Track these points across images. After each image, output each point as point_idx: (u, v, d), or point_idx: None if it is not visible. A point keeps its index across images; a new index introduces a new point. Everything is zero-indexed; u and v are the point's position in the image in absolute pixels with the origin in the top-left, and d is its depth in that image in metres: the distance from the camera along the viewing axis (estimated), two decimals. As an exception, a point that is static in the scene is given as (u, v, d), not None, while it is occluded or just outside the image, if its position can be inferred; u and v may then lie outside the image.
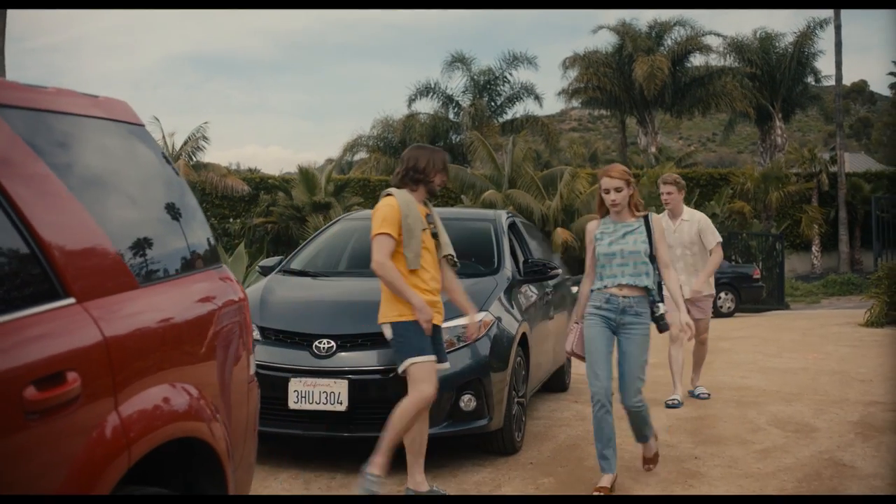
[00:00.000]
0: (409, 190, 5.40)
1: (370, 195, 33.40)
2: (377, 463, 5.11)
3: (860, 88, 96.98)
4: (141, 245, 2.97)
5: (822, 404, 8.09)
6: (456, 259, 5.57)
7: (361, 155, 42.90)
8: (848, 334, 14.09)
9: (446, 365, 5.44)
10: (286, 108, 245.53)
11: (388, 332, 5.26)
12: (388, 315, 5.24)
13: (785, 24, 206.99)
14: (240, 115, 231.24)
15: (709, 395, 8.55)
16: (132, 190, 3.07)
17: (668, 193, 8.37)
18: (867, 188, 35.79)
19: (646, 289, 5.46)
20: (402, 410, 5.11)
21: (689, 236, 8.34)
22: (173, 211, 3.26)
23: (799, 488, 5.56)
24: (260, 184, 34.29)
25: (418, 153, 5.47)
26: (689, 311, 7.67)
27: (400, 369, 5.21)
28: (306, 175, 30.21)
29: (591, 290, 5.60)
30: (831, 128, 74.71)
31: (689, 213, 8.51)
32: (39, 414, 2.27)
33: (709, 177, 36.72)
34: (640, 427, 5.69)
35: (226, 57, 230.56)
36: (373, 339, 5.84)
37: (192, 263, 3.29)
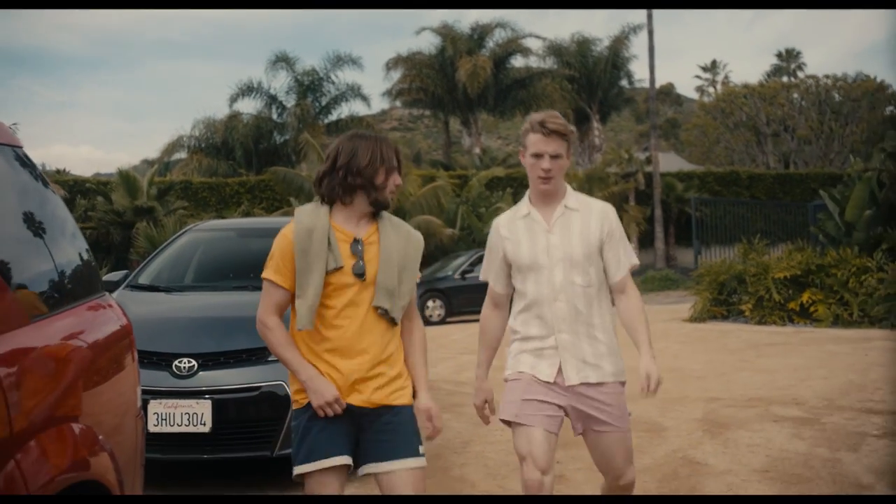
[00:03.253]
0: (340, 203, 3.47)
1: (193, 198, 32.55)
2: None
3: (668, 90, 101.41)
4: (28, 278, 2.77)
5: (665, 402, 8.36)
6: (392, 315, 3.44)
7: (180, 156, 41.79)
8: (675, 330, 14.66)
9: (416, 462, 3.51)
10: (98, 106, 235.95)
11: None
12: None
13: (601, 29, 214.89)
14: (47, 114, 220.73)
15: None
16: (17, 218, 2.87)
17: (554, 156, 3.74)
18: (680, 187, 37.56)
19: None
20: None
21: (583, 242, 3.83)
22: (56, 239, 3.07)
23: (661, 488, 5.73)
24: (74, 186, 32.75)
25: (356, 144, 3.44)
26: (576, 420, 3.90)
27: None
28: (127, 178, 28.95)
29: None
30: (642, 128, 78.11)
31: (576, 197, 3.91)
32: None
33: (532, 177, 37.43)
34: None
35: (33, 52, 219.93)
36: (236, 357, 5.70)
37: (77, 294, 3.10)
